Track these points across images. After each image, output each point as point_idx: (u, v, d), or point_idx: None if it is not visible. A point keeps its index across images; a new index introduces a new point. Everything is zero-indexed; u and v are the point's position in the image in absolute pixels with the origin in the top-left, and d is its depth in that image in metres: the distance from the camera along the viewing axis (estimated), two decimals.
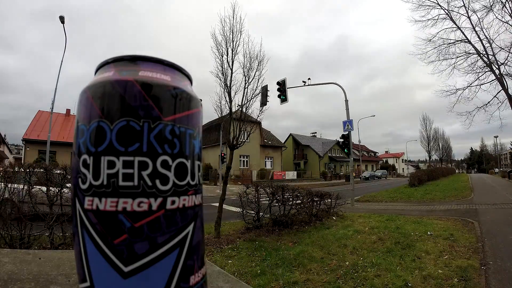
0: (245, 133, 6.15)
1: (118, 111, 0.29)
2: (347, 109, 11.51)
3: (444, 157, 51.61)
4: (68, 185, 3.49)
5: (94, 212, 0.28)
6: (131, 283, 0.28)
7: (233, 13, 5.86)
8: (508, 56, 12.59)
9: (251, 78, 5.86)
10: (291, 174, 33.10)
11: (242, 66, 5.85)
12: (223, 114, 6.21)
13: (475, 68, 13.68)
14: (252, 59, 5.89)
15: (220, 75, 5.75)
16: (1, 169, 3.58)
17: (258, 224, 5.83)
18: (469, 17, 13.29)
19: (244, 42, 5.96)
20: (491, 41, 12.85)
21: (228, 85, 5.72)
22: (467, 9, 13.21)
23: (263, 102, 9.08)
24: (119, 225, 0.28)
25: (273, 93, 11.95)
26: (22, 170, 3.55)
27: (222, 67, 5.74)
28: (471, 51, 13.72)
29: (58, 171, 3.65)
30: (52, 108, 14.25)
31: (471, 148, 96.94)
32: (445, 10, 13.74)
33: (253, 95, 5.94)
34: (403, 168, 69.81)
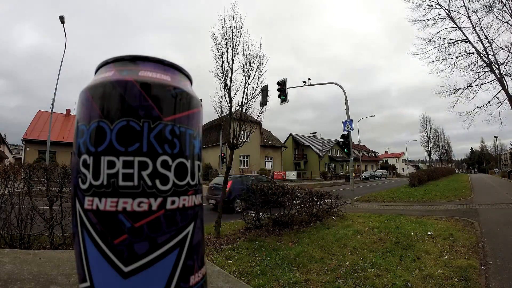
0: (245, 133, 6.14)
1: (118, 111, 0.29)
2: (347, 109, 11.51)
3: (444, 157, 51.59)
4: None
5: (94, 212, 0.28)
6: (131, 283, 0.28)
7: (233, 13, 5.86)
8: (508, 56, 12.60)
9: (251, 78, 5.86)
10: (291, 174, 33.10)
11: (242, 66, 5.85)
12: (223, 114, 6.21)
13: (475, 68, 13.70)
14: (252, 59, 5.89)
15: (220, 75, 5.75)
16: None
17: (258, 224, 5.83)
18: (469, 17, 13.31)
19: (244, 42, 5.96)
20: (491, 41, 12.86)
21: (228, 85, 5.72)
22: (467, 9, 13.23)
23: (263, 102, 9.07)
24: (119, 225, 0.28)
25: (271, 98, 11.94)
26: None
27: (222, 67, 5.74)
28: (471, 51, 13.73)
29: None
30: (52, 108, 14.26)
31: (471, 148, 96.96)
32: (445, 10, 13.75)
33: (253, 95, 5.94)
34: (403, 168, 69.80)
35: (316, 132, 51.46)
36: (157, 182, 0.29)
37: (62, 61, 13.74)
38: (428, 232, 5.38)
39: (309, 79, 12.65)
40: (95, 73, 0.35)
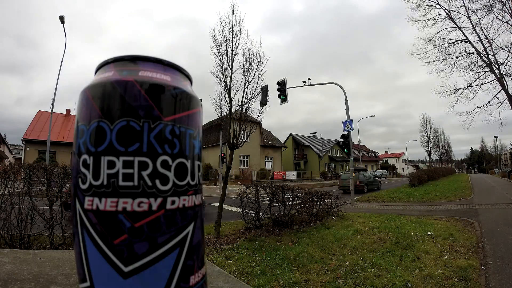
0: (245, 133, 6.15)
1: (118, 111, 0.29)
2: (347, 109, 11.51)
3: (444, 157, 51.52)
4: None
5: (94, 212, 0.28)
6: (131, 283, 0.28)
7: (233, 13, 5.87)
8: (508, 56, 12.59)
9: (251, 78, 5.87)
10: (291, 174, 33.08)
11: (242, 66, 5.86)
12: (223, 114, 6.21)
13: (475, 68, 13.69)
14: (252, 59, 5.90)
15: (220, 75, 5.76)
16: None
17: (258, 224, 5.83)
18: (469, 17, 13.30)
19: (244, 42, 5.99)
20: (491, 41, 12.85)
21: (228, 85, 5.72)
22: (467, 9, 13.21)
23: (263, 102, 9.07)
24: (119, 225, 0.28)
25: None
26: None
27: (222, 67, 5.75)
28: (471, 51, 13.72)
29: None
30: (52, 108, 14.27)
31: (471, 148, 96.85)
32: (445, 10, 13.74)
33: (253, 95, 5.96)
34: (403, 168, 69.77)
35: (316, 132, 51.51)
36: (157, 182, 0.29)
37: (62, 61, 13.75)
38: (428, 232, 5.38)
39: (309, 79, 12.66)
40: (95, 73, 0.35)
